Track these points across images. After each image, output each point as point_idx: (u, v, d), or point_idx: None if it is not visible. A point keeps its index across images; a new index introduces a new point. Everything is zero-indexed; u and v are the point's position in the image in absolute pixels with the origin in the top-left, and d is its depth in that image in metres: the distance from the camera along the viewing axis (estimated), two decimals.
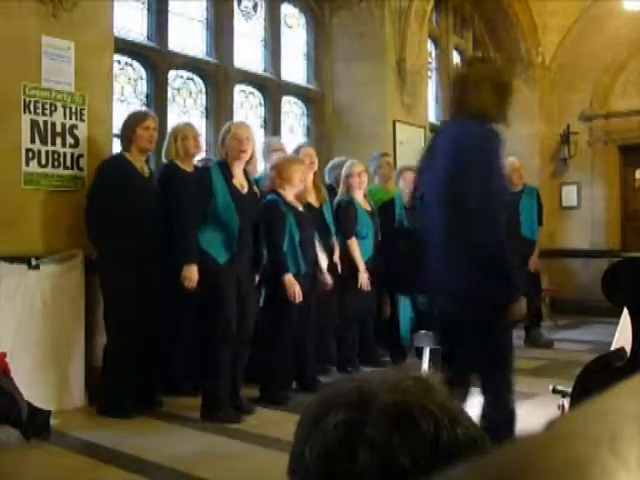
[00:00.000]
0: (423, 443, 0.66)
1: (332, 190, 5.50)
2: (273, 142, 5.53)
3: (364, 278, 5.13)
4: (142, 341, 4.14)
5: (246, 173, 4.18)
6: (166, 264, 4.20)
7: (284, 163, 4.52)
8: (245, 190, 4.10)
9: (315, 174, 5.06)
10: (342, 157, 5.79)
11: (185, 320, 4.53)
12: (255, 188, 4.26)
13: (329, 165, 5.91)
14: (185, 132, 4.58)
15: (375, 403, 0.69)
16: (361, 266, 5.16)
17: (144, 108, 5.62)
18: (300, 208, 4.54)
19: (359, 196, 5.34)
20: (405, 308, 5.55)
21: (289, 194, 4.49)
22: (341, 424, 0.69)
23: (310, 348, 4.75)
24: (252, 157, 4.21)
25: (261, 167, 5.17)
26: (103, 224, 4.12)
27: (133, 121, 4.30)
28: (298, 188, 4.54)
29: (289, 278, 4.30)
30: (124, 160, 4.23)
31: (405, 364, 5.57)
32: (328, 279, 4.85)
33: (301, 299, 4.30)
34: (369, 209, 5.38)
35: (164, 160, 4.64)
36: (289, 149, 5.42)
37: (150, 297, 4.16)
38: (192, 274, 3.90)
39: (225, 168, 4.04)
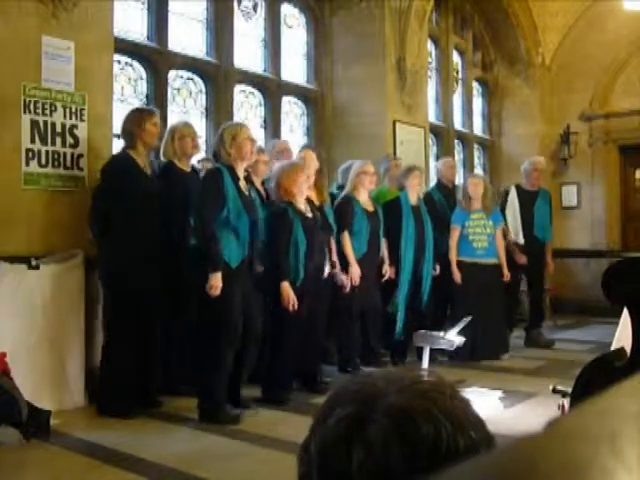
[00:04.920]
0: (420, 449, 0.65)
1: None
2: (278, 143, 5.62)
3: (354, 272, 5.15)
4: (142, 341, 4.15)
5: (246, 176, 4.21)
6: (166, 263, 4.22)
7: (287, 176, 4.50)
8: (247, 194, 4.12)
9: (317, 173, 5.05)
10: (355, 160, 5.80)
11: (182, 320, 4.52)
12: (254, 191, 4.27)
13: (342, 167, 5.95)
14: (183, 132, 4.56)
15: (382, 403, 0.68)
16: (352, 260, 5.18)
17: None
18: (309, 215, 4.57)
19: (364, 195, 5.36)
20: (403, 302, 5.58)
21: (300, 202, 4.52)
22: (344, 420, 0.68)
23: (315, 349, 4.76)
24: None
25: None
26: (106, 223, 4.13)
27: (140, 118, 4.25)
28: (307, 193, 4.60)
29: (285, 286, 4.29)
30: (128, 158, 4.21)
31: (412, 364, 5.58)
32: (343, 280, 4.98)
33: (296, 308, 4.29)
34: (371, 209, 5.39)
35: (162, 159, 4.65)
36: (293, 149, 5.49)
37: (151, 296, 4.16)
38: (219, 282, 3.84)
39: (232, 171, 4.03)
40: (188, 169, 4.60)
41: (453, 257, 5.93)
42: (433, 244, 5.78)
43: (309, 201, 4.72)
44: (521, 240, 6.49)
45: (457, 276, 5.89)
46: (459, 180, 8.03)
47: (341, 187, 5.75)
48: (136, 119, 4.25)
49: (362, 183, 5.31)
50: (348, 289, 5.08)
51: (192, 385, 4.49)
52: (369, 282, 5.28)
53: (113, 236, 4.11)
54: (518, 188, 6.75)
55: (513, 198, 6.67)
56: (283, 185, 4.49)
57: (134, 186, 4.14)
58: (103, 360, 4.19)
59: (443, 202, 6.40)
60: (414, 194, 5.78)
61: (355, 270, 5.15)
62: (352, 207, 5.26)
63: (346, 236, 5.21)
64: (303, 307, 4.36)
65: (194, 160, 4.91)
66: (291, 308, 4.27)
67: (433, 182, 7.26)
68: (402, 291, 5.57)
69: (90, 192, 4.41)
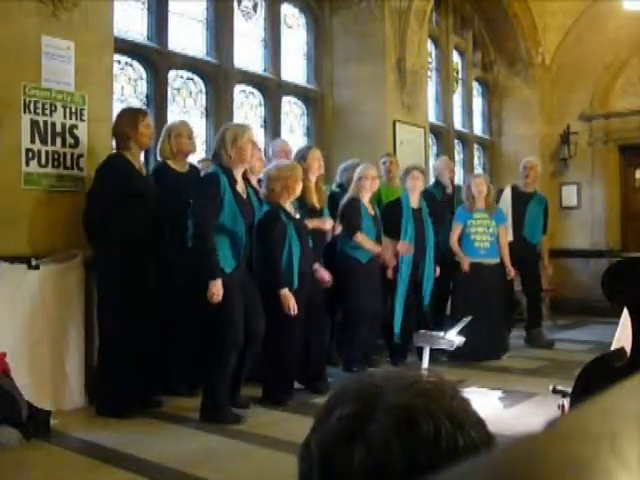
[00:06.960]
0: (421, 447, 0.65)
1: (343, 189, 5.61)
2: (278, 144, 5.57)
3: (386, 251, 5.33)
4: (139, 341, 4.12)
5: (243, 176, 4.17)
6: (165, 264, 4.22)
7: (286, 174, 4.37)
8: (245, 195, 4.10)
9: (319, 177, 5.06)
10: (355, 159, 5.80)
11: (182, 322, 4.52)
12: (251, 191, 4.22)
13: (341, 166, 5.96)
14: (179, 129, 4.55)
15: (383, 402, 0.68)
16: (376, 247, 5.29)
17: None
18: (297, 215, 4.52)
19: (366, 198, 5.38)
20: (399, 304, 5.57)
21: (288, 203, 4.45)
22: (344, 419, 0.69)
23: (316, 349, 4.75)
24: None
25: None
26: (103, 224, 4.11)
27: (134, 119, 4.22)
28: (296, 196, 4.52)
29: (285, 293, 4.25)
30: (123, 160, 4.18)
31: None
32: (325, 275, 4.85)
33: (296, 312, 4.26)
34: (372, 213, 5.42)
35: (158, 158, 4.65)
36: (292, 149, 5.45)
37: (148, 296, 4.14)
38: (219, 289, 3.83)
39: (230, 174, 3.98)
40: (184, 169, 4.58)
41: (456, 248, 5.94)
42: (434, 246, 5.80)
43: (312, 207, 4.69)
44: (510, 237, 6.51)
45: (465, 263, 5.89)
46: (458, 180, 8.05)
47: (340, 186, 5.76)
48: (129, 120, 4.21)
49: (364, 187, 5.34)
50: (330, 285, 4.99)
51: (190, 385, 4.50)
52: (375, 285, 5.28)
53: (109, 237, 4.09)
54: (514, 189, 6.82)
55: (507, 197, 6.76)
56: (281, 180, 4.34)
57: (130, 187, 4.11)
58: (100, 361, 4.18)
59: (443, 200, 6.42)
60: (415, 196, 5.77)
61: (387, 250, 5.35)
62: (359, 209, 5.29)
63: (359, 235, 5.23)
64: (301, 309, 4.33)
65: (194, 160, 4.90)
66: (292, 313, 4.24)
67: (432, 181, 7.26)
68: (400, 293, 5.57)
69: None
